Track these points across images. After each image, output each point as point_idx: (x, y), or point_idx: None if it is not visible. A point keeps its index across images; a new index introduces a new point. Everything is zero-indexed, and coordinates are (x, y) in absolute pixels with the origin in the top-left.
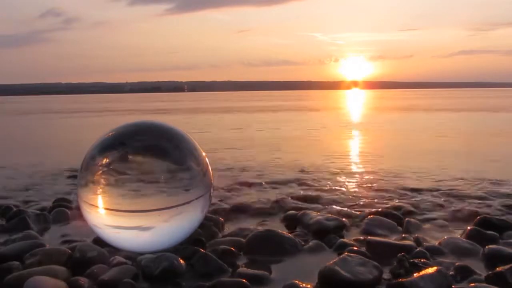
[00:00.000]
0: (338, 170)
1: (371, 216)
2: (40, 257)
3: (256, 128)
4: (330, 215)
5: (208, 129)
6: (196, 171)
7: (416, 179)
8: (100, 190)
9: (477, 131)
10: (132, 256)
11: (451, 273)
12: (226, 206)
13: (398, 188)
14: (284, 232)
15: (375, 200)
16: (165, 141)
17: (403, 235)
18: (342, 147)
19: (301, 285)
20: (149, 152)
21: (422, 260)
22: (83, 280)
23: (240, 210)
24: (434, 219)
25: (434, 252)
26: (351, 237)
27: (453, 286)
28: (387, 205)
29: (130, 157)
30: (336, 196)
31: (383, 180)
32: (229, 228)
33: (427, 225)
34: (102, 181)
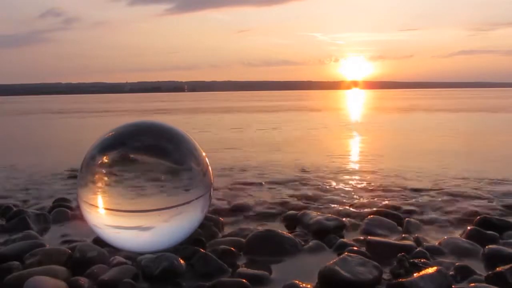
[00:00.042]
0: (338, 170)
1: (371, 216)
2: (40, 257)
3: (256, 128)
4: (330, 215)
5: (208, 129)
6: (196, 171)
7: (416, 179)
8: (100, 190)
9: (477, 131)
10: (132, 256)
11: (451, 273)
12: (226, 206)
13: (398, 188)
14: (284, 232)
15: (375, 200)
16: (165, 141)
17: (403, 235)
18: (342, 147)
19: (301, 285)
20: (149, 152)
21: (422, 260)
22: (83, 280)
23: (240, 210)
24: (434, 219)
25: (434, 252)
26: (351, 237)
27: (453, 286)
28: (387, 205)
29: (130, 157)
30: (336, 196)
31: (383, 180)
32: (229, 228)
33: (427, 225)
34: (102, 181)
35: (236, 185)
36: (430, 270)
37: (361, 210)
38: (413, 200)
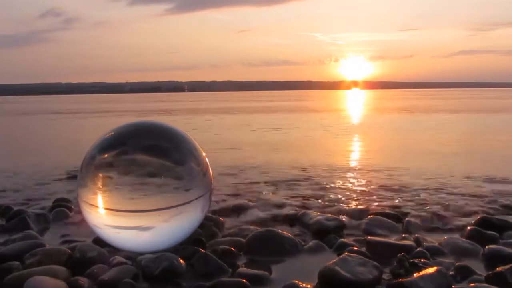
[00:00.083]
0: (338, 170)
1: (371, 216)
2: (40, 257)
3: (256, 128)
4: (330, 215)
5: (208, 129)
6: (196, 171)
7: (416, 179)
8: (100, 190)
9: (477, 131)
10: (132, 256)
11: (451, 273)
12: (226, 206)
13: (399, 187)
14: (284, 232)
15: (375, 200)
16: (165, 141)
17: (403, 235)
18: (342, 147)
19: (301, 285)
20: (149, 152)
21: (422, 260)
22: (83, 280)
23: (240, 210)
24: (435, 219)
25: (434, 252)
26: (351, 237)
27: (453, 286)
28: (387, 205)
29: (130, 157)
30: (336, 196)
31: (383, 179)
32: (229, 228)
33: (427, 225)
34: (102, 181)
35: (236, 185)
36: (430, 270)
37: (361, 210)
38: (413, 200)
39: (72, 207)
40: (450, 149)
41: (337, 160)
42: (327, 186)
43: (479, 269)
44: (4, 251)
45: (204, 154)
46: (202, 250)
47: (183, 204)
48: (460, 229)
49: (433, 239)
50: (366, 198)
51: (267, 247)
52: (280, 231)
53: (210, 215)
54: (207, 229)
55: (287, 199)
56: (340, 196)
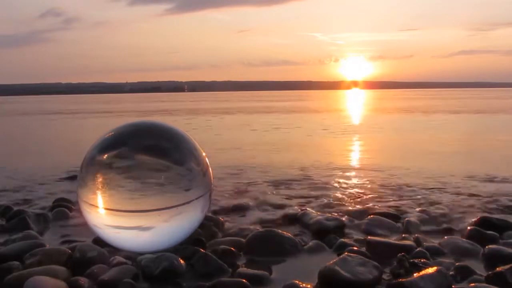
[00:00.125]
0: (338, 170)
1: (371, 216)
2: (40, 257)
3: (256, 128)
4: (330, 215)
5: (208, 129)
6: (196, 171)
7: (416, 179)
8: (100, 190)
9: (477, 131)
10: (132, 256)
11: (451, 273)
12: (226, 206)
13: (399, 187)
14: (284, 232)
15: (375, 200)
16: (165, 141)
17: (403, 235)
18: (342, 147)
19: (301, 285)
20: (149, 152)
21: (422, 260)
22: (83, 280)
23: (240, 210)
24: (435, 218)
25: (434, 252)
26: (351, 237)
27: (453, 286)
28: (387, 205)
29: (130, 157)
30: (336, 196)
31: (383, 179)
32: (229, 228)
33: (427, 225)
34: (102, 181)
35: (236, 185)
36: (430, 270)
37: (361, 210)
38: (414, 199)
39: (72, 207)
40: (450, 149)
41: (337, 160)
42: (327, 186)
43: (479, 269)
44: (4, 251)
45: (204, 154)
46: (202, 250)
47: (183, 204)
48: (460, 229)
49: (433, 239)
50: (366, 198)
51: (267, 247)
52: (280, 231)
53: (210, 215)
54: (207, 229)
55: (287, 199)
56: (340, 196)
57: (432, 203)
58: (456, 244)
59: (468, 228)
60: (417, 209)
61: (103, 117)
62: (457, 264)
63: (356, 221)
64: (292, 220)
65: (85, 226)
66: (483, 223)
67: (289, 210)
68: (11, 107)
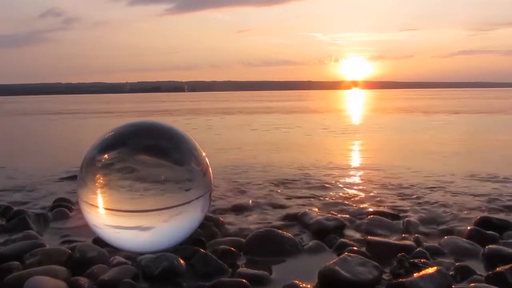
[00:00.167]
0: (339, 170)
1: (371, 216)
2: (40, 257)
3: (256, 128)
4: (330, 215)
5: (208, 129)
6: (196, 171)
7: (416, 178)
8: (100, 190)
9: (477, 131)
10: (132, 256)
11: (451, 273)
12: (226, 206)
13: (399, 187)
14: (284, 232)
15: (376, 200)
16: (165, 141)
17: (403, 235)
18: (343, 147)
19: (301, 285)
20: (149, 152)
21: (422, 260)
22: (83, 280)
23: (241, 210)
24: (435, 218)
25: (434, 252)
26: (351, 237)
27: (453, 286)
28: (387, 205)
29: (130, 157)
30: (337, 196)
31: (383, 179)
32: (229, 228)
33: (427, 225)
34: (102, 181)
35: (236, 184)
36: (430, 270)
37: (361, 210)
38: (414, 199)
39: (72, 207)
40: (450, 149)
41: (337, 160)
42: (327, 185)
43: (479, 269)
44: (4, 251)
45: (204, 154)
46: (202, 250)
47: (183, 204)
48: (460, 229)
49: (433, 239)
50: (366, 198)
51: (267, 247)
52: (280, 231)
53: (210, 215)
54: (207, 229)
55: (287, 199)
56: (340, 196)
57: (432, 203)
58: (456, 244)
59: (468, 228)
60: (417, 209)
61: (103, 117)
62: (457, 264)
63: (356, 221)
64: (292, 220)
65: (83, 227)
66: (483, 223)
67: (289, 210)
68: (11, 107)
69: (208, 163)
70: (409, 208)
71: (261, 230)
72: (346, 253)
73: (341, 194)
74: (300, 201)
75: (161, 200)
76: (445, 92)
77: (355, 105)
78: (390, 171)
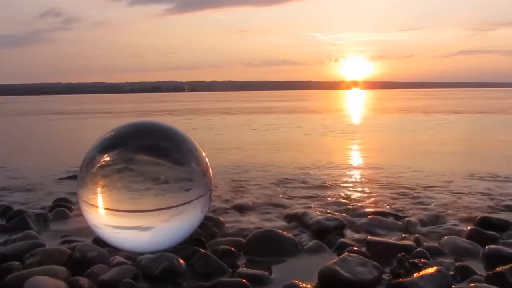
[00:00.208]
0: (339, 170)
1: (371, 216)
2: (40, 257)
3: (256, 128)
4: (330, 215)
5: (208, 129)
6: (196, 171)
7: (416, 178)
8: (100, 190)
9: (477, 131)
10: (132, 256)
11: (451, 273)
12: (226, 206)
13: (399, 187)
14: (284, 232)
15: (376, 200)
16: (165, 141)
17: (403, 235)
18: (343, 147)
19: (301, 285)
20: (149, 152)
21: (422, 260)
22: (83, 280)
23: (241, 210)
24: (435, 218)
25: (434, 252)
26: (351, 237)
27: (453, 286)
28: (388, 205)
29: (130, 157)
30: (337, 196)
31: (383, 179)
32: (229, 228)
33: (427, 225)
34: (102, 181)
35: (236, 184)
36: (430, 270)
37: (361, 210)
38: (414, 199)
39: (72, 207)
40: (450, 149)
41: (337, 160)
42: (327, 185)
43: (479, 269)
44: (4, 251)
45: (204, 154)
46: (202, 250)
47: (183, 204)
48: (460, 229)
49: (433, 239)
50: (366, 197)
51: (267, 247)
52: (280, 231)
53: (210, 215)
54: (207, 229)
55: (287, 198)
56: (340, 196)
57: (432, 203)
58: (456, 244)
59: (468, 228)
60: (417, 208)
61: (103, 117)
62: (457, 264)
63: (356, 221)
64: (292, 220)
65: (85, 226)
66: (483, 223)
67: (289, 210)
68: (11, 107)
69: (208, 163)
70: (409, 208)
71: (261, 230)
72: (346, 253)
73: (341, 194)
74: (300, 201)
75: (161, 200)
76: (445, 92)
77: (355, 105)
78: (390, 171)
